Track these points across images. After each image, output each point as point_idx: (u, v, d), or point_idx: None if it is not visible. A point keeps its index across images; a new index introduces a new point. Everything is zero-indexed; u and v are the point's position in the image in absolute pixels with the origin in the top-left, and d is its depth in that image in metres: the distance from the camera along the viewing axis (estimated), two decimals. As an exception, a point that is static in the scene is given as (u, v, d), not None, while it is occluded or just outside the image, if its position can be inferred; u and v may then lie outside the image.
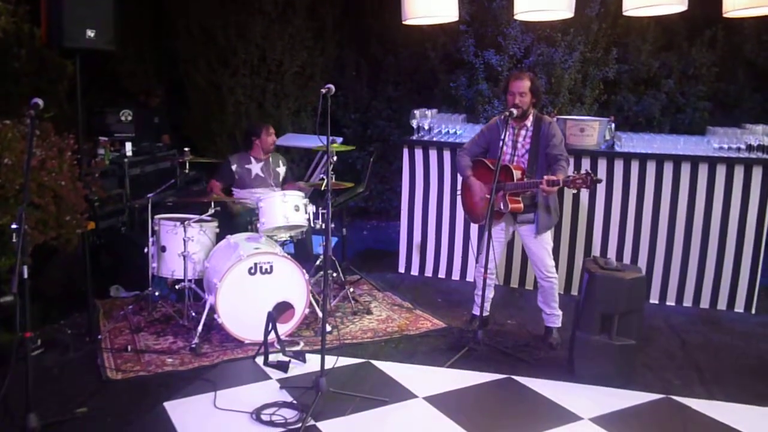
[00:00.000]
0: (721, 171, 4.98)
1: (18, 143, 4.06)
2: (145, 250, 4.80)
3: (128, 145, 6.35)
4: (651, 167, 5.14)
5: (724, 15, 4.75)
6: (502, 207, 4.20)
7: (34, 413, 3.05)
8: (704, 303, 5.18)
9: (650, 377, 3.95)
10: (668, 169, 5.10)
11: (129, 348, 4.23)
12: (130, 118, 6.59)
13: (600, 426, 3.34)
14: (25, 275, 3.02)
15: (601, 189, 5.23)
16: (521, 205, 4.23)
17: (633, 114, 7.25)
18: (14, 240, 3.00)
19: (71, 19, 4.04)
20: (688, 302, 5.22)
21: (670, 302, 5.26)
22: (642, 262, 5.23)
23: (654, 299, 5.25)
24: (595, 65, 6.98)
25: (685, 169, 5.06)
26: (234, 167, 5.31)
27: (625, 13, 4.92)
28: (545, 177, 3.97)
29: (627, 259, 5.26)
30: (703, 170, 5.02)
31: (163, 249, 4.69)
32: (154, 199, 4.91)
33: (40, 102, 3.21)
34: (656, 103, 7.20)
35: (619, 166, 5.22)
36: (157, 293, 4.87)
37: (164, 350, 4.24)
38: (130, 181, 6.16)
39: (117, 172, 6.12)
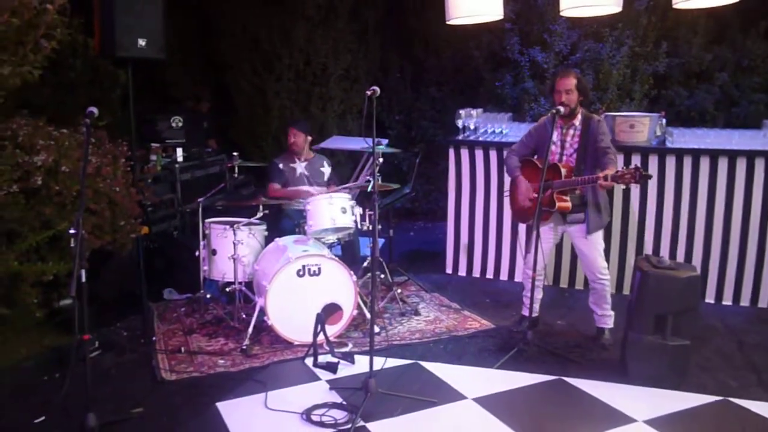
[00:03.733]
0: (778, 165, 4.82)
1: (74, 151, 4.20)
2: (197, 253, 4.91)
3: (179, 151, 6.49)
4: (704, 163, 5.00)
5: (780, 4, 4.60)
6: (549, 206, 4.15)
7: (93, 413, 3.14)
8: (762, 302, 5.01)
9: (706, 379, 3.84)
10: (723, 164, 4.95)
11: (182, 349, 4.32)
12: (180, 124, 6.73)
13: (655, 428, 3.26)
14: (83, 279, 3.11)
15: (652, 186, 5.11)
16: (569, 204, 4.17)
17: (685, 109, 7.07)
18: (72, 245, 3.10)
19: (123, 29, 4.17)
20: (745, 302, 5.06)
21: (727, 302, 5.10)
22: (696, 260, 5.09)
23: (710, 298, 5.11)
24: (645, 60, 6.83)
25: (741, 165, 4.91)
26: (281, 166, 5.40)
27: (675, 6, 4.79)
28: (601, 173, 3.90)
29: (681, 257, 5.13)
30: (759, 165, 4.86)
31: (214, 252, 4.78)
32: (205, 204, 5.01)
33: (95, 111, 3.29)
34: (709, 96, 7.00)
35: (671, 162, 5.10)
36: (208, 296, 4.95)
37: (216, 351, 4.32)
38: (181, 186, 6.29)
39: (168, 178, 6.26)
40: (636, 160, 5.16)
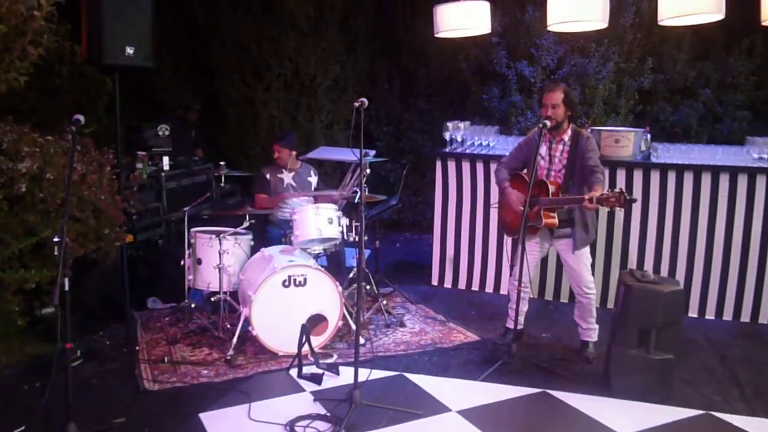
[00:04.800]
0: (761, 181, 4.87)
1: (59, 158, 4.18)
2: (182, 262, 4.88)
3: (165, 159, 6.46)
4: (688, 178, 5.06)
5: (762, 23, 4.66)
6: (536, 222, 4.17)
7: (74, 422, 3.11)
8: (745, 317, 5.05)
9: (689, 393, 3.86)
10: (706, 180, 5.01)
11: (165, 359, 4.29)
12: (167, 132, 6.70)
13: (638, 442, 3.28)
14: (66, 287, 3.09)
15: (637, 201, 5.15)
16: (556, 221, 4.19)
17: (669, 124, 7.14)
18: (56, 252, 3.07)
19: (111, 36, 4.15)
20: (728, 316, 5.10)
21: (710, 316, 5.14)
22: (680, 274, 5.13)
23: (693, 313, 5.14)
24: (630, 75, 6.91)
25: (724, 180, 4.96)
26: (268, 176, 5.42)
27: (660, 23, 4.86)
28: (588, 195, 3.92)
29: (664, 272, 5.17)
30: (742, 181, 4.92)
31: (199, 261, 4.75)
32: (190, 212, 4.99)
33: (82, 118, 3.29)
34: (693, 113, 7.09)
35: (655, 177, 5.14)
36: (193, 305, 4.92)
37: (200, 362, 4.29)
38: (167, 195, 6.26)
39: (154, 186, 6.22)
40: (621, 175, 5.21)
